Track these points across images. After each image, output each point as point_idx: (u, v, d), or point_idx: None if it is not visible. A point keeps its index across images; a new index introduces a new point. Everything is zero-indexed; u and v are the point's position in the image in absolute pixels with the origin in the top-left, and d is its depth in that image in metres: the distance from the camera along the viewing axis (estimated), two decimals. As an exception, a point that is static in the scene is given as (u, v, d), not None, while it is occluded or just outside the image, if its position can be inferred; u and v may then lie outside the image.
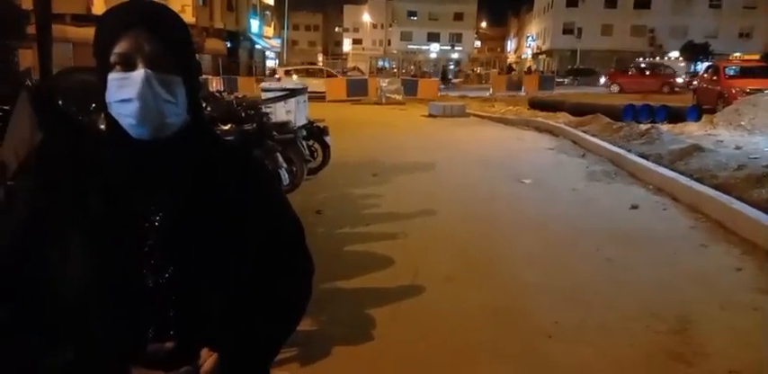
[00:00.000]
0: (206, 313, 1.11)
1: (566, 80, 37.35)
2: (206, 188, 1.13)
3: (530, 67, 55.19)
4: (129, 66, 1.04)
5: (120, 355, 1.04)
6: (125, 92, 1.04)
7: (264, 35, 49.17)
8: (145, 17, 1.05)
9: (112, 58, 1.04)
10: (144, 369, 1.04)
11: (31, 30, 3.85)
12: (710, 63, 24.77)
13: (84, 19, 22.15)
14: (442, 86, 27.67)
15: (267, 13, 51.61)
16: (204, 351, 1.07)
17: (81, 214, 1.06)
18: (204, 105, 6.42)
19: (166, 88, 1.05)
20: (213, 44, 34.22)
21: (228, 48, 37.86)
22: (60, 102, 3.10)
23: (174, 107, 1.07)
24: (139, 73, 1.03)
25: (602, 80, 42.35)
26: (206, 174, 1.14)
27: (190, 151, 1.13)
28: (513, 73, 40.24)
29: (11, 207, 1.11)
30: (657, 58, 42.81)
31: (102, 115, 1.12)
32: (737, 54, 34.21)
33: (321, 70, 28.82)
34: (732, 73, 17.84)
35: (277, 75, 27.66)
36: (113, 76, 1.05)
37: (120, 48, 1.03)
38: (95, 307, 1.05)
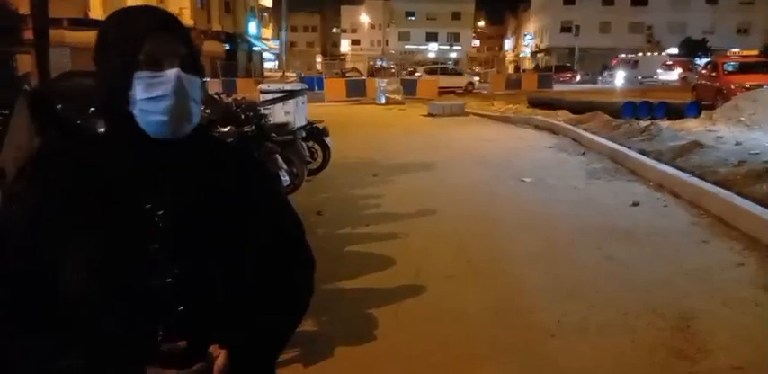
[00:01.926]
0: (215, 309, 1.12)
1: None
2: (210, 187, 1.15)
3: (537, 65, 54.90)
4: (157, 66, 1.09)
5: (134, 354, 1.06)
6: (159, 89, 1.08)
7: (262, 37, 49.14)
8: (164, 21, 1.13)
9: (141, 58, 1.08)
10: (158, 367, 1.06)
11: (29, 34, 3.85)
12: (709, 59, 24.56)
13: (82, 23, 22.05)
14: None
15: (265, 14, 51.62)
16: (213, 348, 1.10)
17: (83, 216, 1.07)
18: (203, 108, 6.41)
19: (192, 88, 1.11)
20: (211, 46, 34.20)
21: (227, 50, 37.85)
22: (59, 107, 3.09)
23: (197, 106, 1.13)
24: (173, 72, 1.09)
25: (579, 77, 42.90)
26: (209, 173, 1.17)
27: (193, 151, 1.16)
28: (521, 72, 40.34)
29: (11, 212, 1.11)
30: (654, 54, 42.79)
31: (102, 116, 1.16)
32: (736, 50, 34.08)
33: (453, 69, 36.21)
34: (731, 69, 17.71)
35: (418, 74, 31.16)
36: (142, 75, 1.08)
37: (149, 48, 1.08)
38: (105, 307, 1.07)
